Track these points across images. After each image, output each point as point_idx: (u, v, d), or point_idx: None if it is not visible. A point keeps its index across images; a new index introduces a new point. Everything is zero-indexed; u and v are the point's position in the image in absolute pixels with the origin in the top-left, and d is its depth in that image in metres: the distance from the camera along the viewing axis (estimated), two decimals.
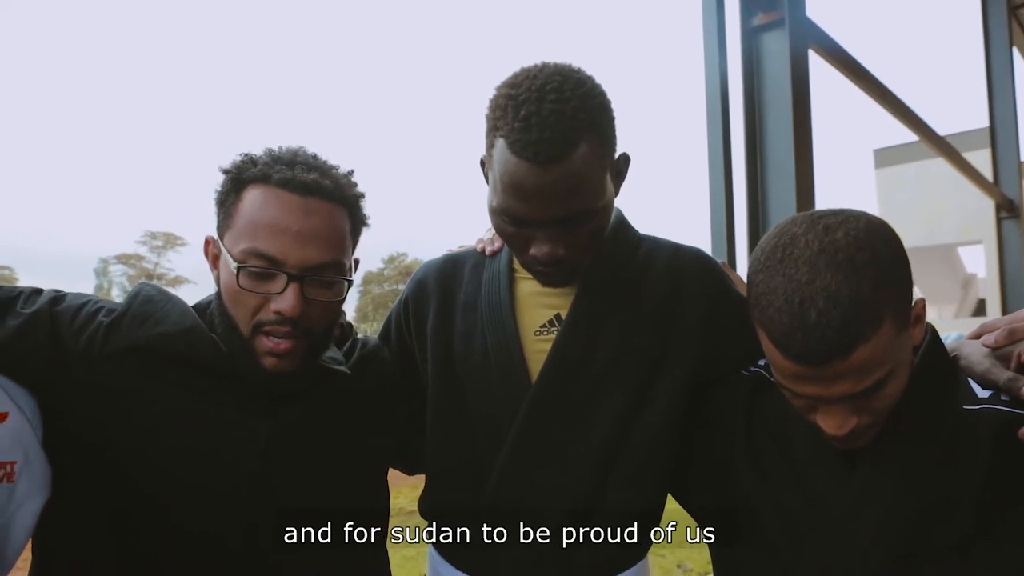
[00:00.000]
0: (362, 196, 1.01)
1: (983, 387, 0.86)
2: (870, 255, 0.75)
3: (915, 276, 0.84)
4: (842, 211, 0.80)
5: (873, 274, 0.74)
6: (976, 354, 0.89)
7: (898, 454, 0.85)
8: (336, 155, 1.01)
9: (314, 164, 0.96)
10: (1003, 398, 0.84)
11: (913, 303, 0.82)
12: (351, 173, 1.00)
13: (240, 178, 0.93)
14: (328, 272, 0.93)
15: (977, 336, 0.92)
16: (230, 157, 0.96)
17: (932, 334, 0.90)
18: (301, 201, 0.91)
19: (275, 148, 0.97)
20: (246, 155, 0.95)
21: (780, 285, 0.75)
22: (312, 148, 1.00)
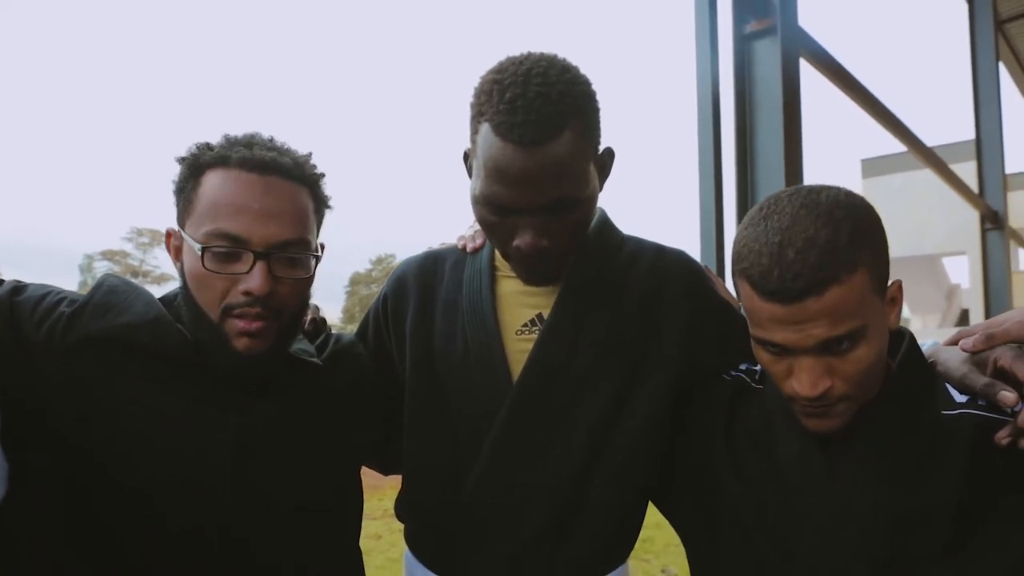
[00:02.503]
0: (322, 176, 1.00)
1: (961, 392, 0.87)
2: (849, 213, 0.79)
3: None
4: (826, 184, 0.85)
5: (850, 228, 0.78)
6: (954, 360, 0.90)
7: (878, 460, 0.85)
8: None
9: (272, 144, 0.95)
10: (980, 403, 0.85)
11: (889, 283, 0.84)
12: (309, 155, 0.99)
13: (197, 164, 0.92)
14: (293, 249, 0.92)
15: (954, 342, 0.92)
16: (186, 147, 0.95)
17: (910, 340, 0.90)
18: (261, 179, 0.90)
19: (230, 134, 0.96)
20: (199, 143, 0.94)
21: (762, 233, 0.80)
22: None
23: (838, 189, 0.83)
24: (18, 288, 0.91)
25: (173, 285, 1.01)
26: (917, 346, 0.91)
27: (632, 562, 1.14)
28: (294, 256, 0.92)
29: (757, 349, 0.86)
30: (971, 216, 5.63)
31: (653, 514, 1.14)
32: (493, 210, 0.93)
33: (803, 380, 0.80)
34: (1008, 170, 5.50)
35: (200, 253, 0.87)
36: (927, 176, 4.86)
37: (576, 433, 1.02)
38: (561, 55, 0.94)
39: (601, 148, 0.99)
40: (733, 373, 1.05)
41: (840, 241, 0.76)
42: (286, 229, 0.90)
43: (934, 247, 15.88)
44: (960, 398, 0.86)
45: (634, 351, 1.04)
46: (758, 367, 1.03)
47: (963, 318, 18.61)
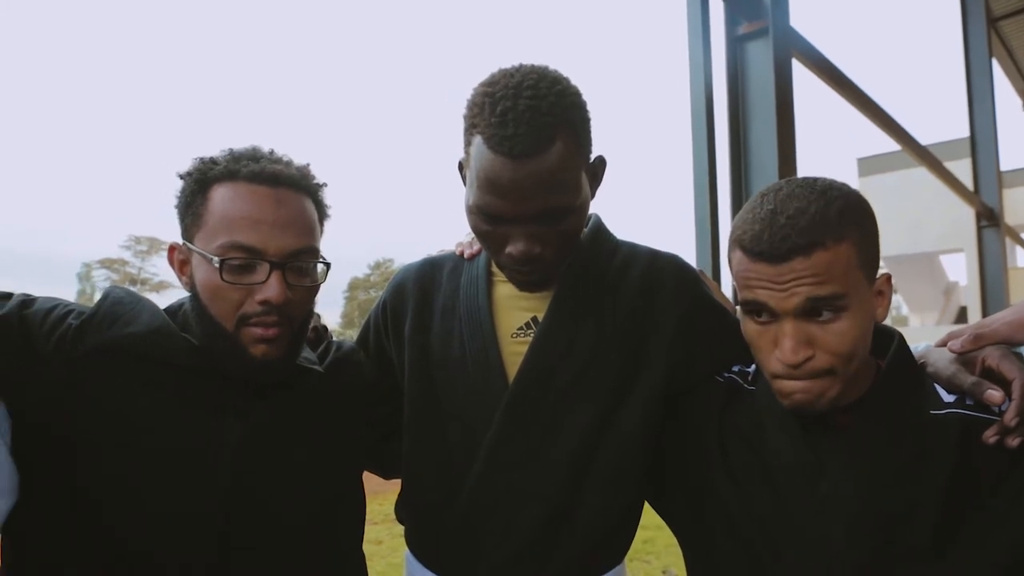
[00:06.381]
0: (324, 185, 1.03)
1: (949, 392, 0.88)
2: (841, 194, 0.84)
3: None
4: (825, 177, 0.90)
5: (840, 205, 0.83)
6: (942, 360, 0.91)
7: (866, 458, 0.86)
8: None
9: (274, 157, 0.98)
10: (968, 403, 0.86)
11: (879, 275, 0.87)
12: (308, 165, 1.02)
13: (205, 179, 0.94)
14: (305, 257, 0.95)
15: (944, 343, 0.94)
16: (186, 162, 0.97)
17: (899, 340, 0.92)
18: (272, 191, 0.93)
19: (230, 148, 0.98)
20: (202, 158, 0.96)
21: (758, 207, 0.85)
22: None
23: (835, 180, 0.87)
24: (26, 302, 0.93)
25: (171, 292, 1.02)
26: (906, 346, 0.93)
27: (634, 563, 1.15)
28: (305, 264, 0.95)
29: (744, 321, 0.89)
30: (967, 214, 5.65)
31: (655, 515, 1.14)
32: (486, 219, 0.95)
33: (785, 346, 0.83)
34: (1003, 167, 5.52)
35: (219, 266, 0.90)
36: (924, 174, 4.88)
37: (570, 436, 1.03)
38: (553, 66, 0.95)
39: (593, 156, 1.00)
40: (726, 375, 1.07)
41: (830, 213, 0.81)
42: (298, 238, 0.94)
43: (932, 244, 15.91)
44: (948, 398, 0.87)
45: (627, 354, 1.06)
46: (751, 369, 1.05)
47: (961, 315, 18.62)
